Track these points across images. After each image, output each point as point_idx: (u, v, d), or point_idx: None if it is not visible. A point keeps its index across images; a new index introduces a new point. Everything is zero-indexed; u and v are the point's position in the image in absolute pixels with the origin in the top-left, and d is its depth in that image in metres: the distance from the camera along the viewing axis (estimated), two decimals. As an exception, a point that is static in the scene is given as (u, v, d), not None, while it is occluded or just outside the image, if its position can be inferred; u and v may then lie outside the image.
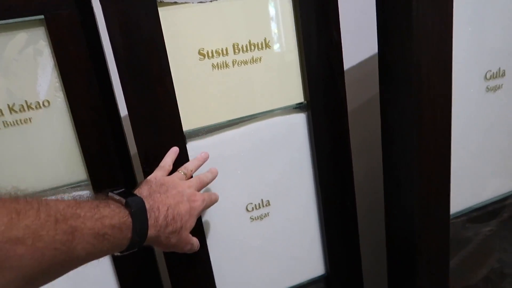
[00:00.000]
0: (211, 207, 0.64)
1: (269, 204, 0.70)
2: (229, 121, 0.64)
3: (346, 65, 0.93)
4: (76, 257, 0.36)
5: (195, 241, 0.55)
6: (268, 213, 0.70)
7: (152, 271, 0.68)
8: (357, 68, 0.97)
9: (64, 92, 0.57)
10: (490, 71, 0.67)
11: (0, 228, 0.30)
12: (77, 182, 0.61)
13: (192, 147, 0.61)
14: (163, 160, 0.56)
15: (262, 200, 0.69)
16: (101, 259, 0.40)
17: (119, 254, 0.43)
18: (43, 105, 0.57)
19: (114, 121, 0.61)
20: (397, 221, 0.73)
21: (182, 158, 0.59)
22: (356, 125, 0.83)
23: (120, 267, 0.65)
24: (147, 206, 0.44)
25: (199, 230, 0.62)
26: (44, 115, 0.57)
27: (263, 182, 0.68)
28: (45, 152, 0.58)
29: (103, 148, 0.61)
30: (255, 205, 0.69)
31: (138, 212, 0.42)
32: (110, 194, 0.45)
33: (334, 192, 0.73)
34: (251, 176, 0.67)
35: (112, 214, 0.40)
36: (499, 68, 0.67)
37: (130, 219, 0.41)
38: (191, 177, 0.57)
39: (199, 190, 0.55)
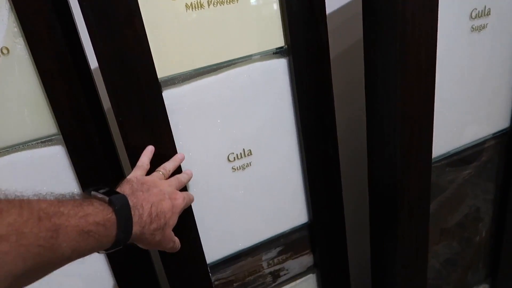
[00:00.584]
0: (192, 157, 0.62)
1: (251, 154, 0.68)
2: (206, 67, 0.60)
3: (329, 9, 0.89)
4: (61, 254, 0.36)
5: (176, 239, 0.56)
6: (250, 163, 0.69)
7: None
8: (340, 12, 0.93)
9: (24, 38, 0.52)
10: (476, 9, 0.64)
11: None
12: (47, 136, 0.58)
13: (168, 95, 0.58)
14: (140, 159, 0.56)
15: (243, 149, 0.68)
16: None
17: (104, 252, 0.43)
18: (2, 52, 0.52)
19: (83, 71, 0.57)
20: (379, 168, 0.73)
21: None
22: (339, 71, 0.81)
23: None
24: (131, 203, 0.45)
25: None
26: (4, 64, 0.53)
27: (244, 131, 0.66)
28: (8, 105, 0.54)
29: (72, 99, 0.57)
30: (237, 155, 0.67)
31: (122, 209, 0.43)
32: (93, 193, 0.44)
33: (316, 139, 0.72)
34: (231, 124, 0.65)
35: (96, 212, 0.40)
36: (485, 6, 0.65)
37: (114, 216, 0.41)
38: (169, 177, 0.57)
39: (178, 189, 0.56)
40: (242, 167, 0.69)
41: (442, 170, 0.75)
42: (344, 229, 0.81)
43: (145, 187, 0.49)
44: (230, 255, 0.74)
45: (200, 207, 0.67)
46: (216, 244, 0.72)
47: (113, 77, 0.54)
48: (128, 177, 0.52)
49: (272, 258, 0.79)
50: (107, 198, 0.43)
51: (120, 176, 0.64)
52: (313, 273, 0.85)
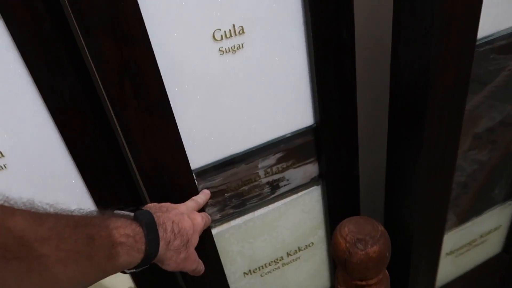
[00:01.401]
0: (168, 33, 0.49)
1: (243, 32, 0.53)
2: None
3: None
4: (98, 264, 0.36)
5: (201, 263, 0.56)
6: (242, 44, 0.54)
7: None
8: None
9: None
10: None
11: (25, 228, 0.30)
12: None
13: None
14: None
15: (233, 25, 0.52)
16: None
17: (132, 270, 0.43)
18: None
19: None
20: (407, 52, 0.57)
21: None
22: None
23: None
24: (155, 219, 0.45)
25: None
26: None
27: (234, 0, 0.51)
28: None
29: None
30: (225, 32, 0.52)
31: (149, 223, 0.43)
32: (115, 212, 0.45)
33: (328, 19, 0.56)
34: (215, -13, 0.49)
35: (125, 225, 0.41)
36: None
37: (141, 230, 0.42)
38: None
39: (195, 211, 0.56)
40: (232, 49, 0.54)
41: (485, 57, 0.59)
42: (357, 133, 0.68)
43: (164, 209, 0.50)
44: (220, 160, 0.62)
45: (181, 101, 0.54)
46: (202, 148, 0.60)
47: None
48: (146, 205, 0.52)
49: (270, 166, 0.67)
50: (132, 214, 0.44)
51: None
52: (317, 185, 0.74)
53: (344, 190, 0.74)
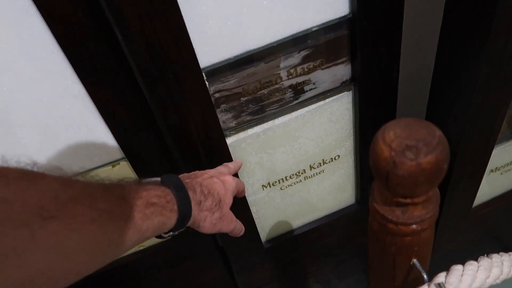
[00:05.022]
0: None
1: None
2: None
3: None
4: (133, 224, 0.35)
5: (239, 223, 0.54)
6: None
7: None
8: None
9: None
10: None
11: (57, 189, 0.29)
12: None
13: None
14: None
15: None
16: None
17: (170, 234, 0.43)
18: None
19: None
20: None
21: None
22: None
23: None
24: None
25: None
26: None
27: None
28: None
29: None
30: None
31: (177, 185, 0.43)
32: (142, 180, 0.43)
33: None
34: None
35: (154, 187, 0.40)
36: None
37: (171, 191, 0.42)
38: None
39: None
40: None
41: None
42: (401, 25, 0.56)
43: (192, 176, 0.50)
44: (235, 58, 0.52)
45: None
46: (213, 42, 0.50)
47: None
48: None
49: (294, 66, 0.57)
50: (159, 179, 0.44)
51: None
52: (348, 90, 0.64)
53: (380, 97, 0.64)
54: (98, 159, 0.60)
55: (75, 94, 0.52)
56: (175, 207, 0.41)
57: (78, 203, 0.30)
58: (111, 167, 0.62)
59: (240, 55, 0.53)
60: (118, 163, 0.62)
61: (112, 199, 0.34)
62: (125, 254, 0.77)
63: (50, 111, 0.52)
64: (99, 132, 0.57)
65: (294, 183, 0.74)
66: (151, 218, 0.37)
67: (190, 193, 0.44)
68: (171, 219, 0.41)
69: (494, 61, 0.49)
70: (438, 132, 0.29)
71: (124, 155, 0.61)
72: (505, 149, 0.70)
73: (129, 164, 0.62)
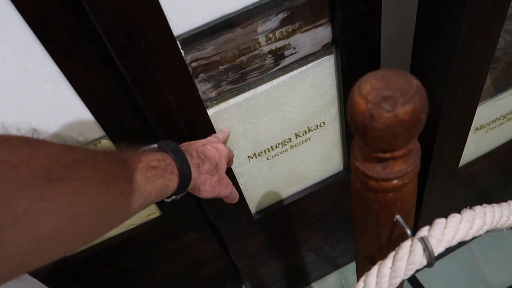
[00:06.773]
0: None
1: None
2: None
3: None
4: (137, 186, 0.36)
5: (234, 188, 0.55)
6: None
7: None
8: None
9: None
10: None
11: (60, 152, 0.30)
12: None
13: None
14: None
15: None
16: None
17: (173, 198, 0.44)
18: None
19: None
20: None
21: None
22: None
23: None
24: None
25: None
26: None
27: None
28: None
29: None
30: None
31: (173, 148, 0.43)
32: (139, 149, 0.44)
33: None
34: None
35: (153, 153, 0.41)
36: None
37: (169, 155, 0.42)
38: None
39: None
40: None
41: None
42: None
43: (185, 144, 0.51)
44: (210, 23, 0.51)
45: None
46: (186, 7, 0.48)
47: None
48: None
49: (273, 30, 0.55)
50: (156, 145, 0.44)
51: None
52: (330, 53, 0.62)
53: (362, 60, 0.63)
54: (80, 138, 0.58)
55: (47, 71, 0.50)
56: (175, 170, 0.42)
57: (83, 166, 0.30)
58: (92, 146, 0.60)
59: (215, 20, 0.51)
60: (100, 142, 0.60)
61: (114, 162, 0.34)
62: (115, 233, 0.77)
63: (23, 91, 0.50)
64: (77, 110, 0.55)
65: (281, 153, 0.73)
66: (153, 180, 0.38)
67: (188, 157, 0.45)
68: (173, 181, 0.41)
69: (477, 10, 0.48)
70: (416, 82, 0.28)
71: (105, 133, 0.59)
72: (489, 106, 0.70)
73: (111, 142, 0.60)
